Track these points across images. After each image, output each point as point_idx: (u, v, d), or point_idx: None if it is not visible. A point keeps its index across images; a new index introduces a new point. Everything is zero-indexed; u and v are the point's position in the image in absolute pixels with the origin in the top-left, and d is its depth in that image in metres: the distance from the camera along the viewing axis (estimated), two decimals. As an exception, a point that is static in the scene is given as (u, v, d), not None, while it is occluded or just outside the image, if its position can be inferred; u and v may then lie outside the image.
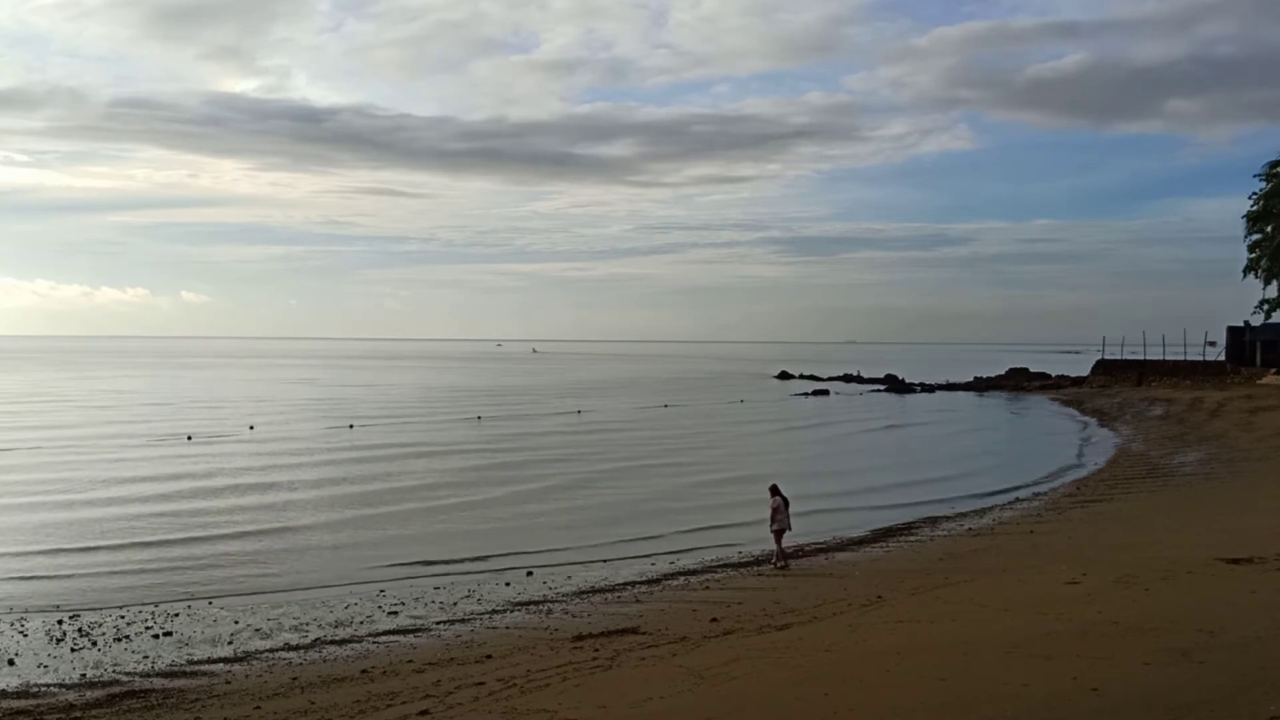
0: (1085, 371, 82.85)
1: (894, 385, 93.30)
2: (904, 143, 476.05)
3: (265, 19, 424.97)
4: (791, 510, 20.36)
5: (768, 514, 20.30)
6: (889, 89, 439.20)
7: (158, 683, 13.14)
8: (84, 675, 13.48)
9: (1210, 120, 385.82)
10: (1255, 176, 66.83)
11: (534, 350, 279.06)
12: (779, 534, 20.18)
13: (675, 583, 18.75)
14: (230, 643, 15.07)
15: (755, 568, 19.92)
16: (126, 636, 15.28)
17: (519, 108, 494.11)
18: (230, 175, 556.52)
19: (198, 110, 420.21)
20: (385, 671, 13.02)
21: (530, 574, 19.52)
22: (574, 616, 16.16)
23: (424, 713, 10.61)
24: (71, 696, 12.57)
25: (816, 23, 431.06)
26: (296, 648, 14.78)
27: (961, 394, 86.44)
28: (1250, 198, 66.98)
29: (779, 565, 19.81)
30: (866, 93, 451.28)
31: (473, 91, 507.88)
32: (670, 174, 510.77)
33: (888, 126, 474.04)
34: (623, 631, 14.35)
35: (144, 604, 17.14)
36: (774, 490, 20.59)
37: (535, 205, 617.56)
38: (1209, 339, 74.23)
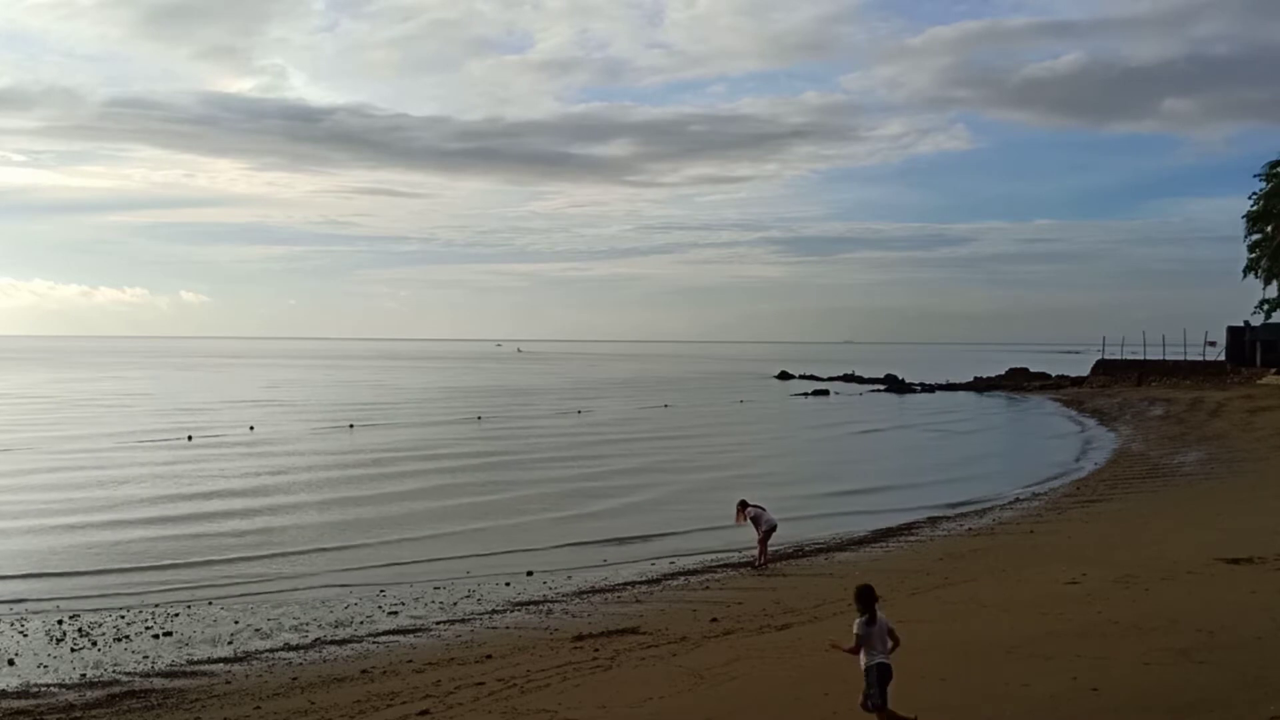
0: (1085, 371, 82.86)
1: (894, 385, 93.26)
2: (901, 142, 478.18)
3: (259, 18, 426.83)
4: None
5: (751, 525, 20.27)
6: (884, 89, 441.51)
7: (158, 683, 13.13)
8: (84, 675, 13.47)
9: (1205, 120, 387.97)
10: (1255, 176, 67.02)
11: (518, 350, 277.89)
12: (767, 534, 20.18)
13: (675, 583, 18.73)
14: (230, 643, 15.06)
15: (751, 568, 19.89)
16: (126, 636, 15.27)
17: (515, 107, 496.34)
18: (227, 175, 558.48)
19: (193, 110, 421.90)
20: (385, 671, 13.01)
21: (530, 574, 19.51)
22: (574, 616, 16.15)
23: (424, 713, 10.61)
24: (71, 696, 12.57)
25: (810, 22, 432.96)
26: (296, 648, 14.77)
27: (961, 394, 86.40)
28: (1250, 198, 67.09)
29: (760, 565, 19.83)
30: (862, 92, 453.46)
31: (468, 91, 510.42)
32: (668, 174, 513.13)
33: (885, 126, 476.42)
34: (623, 631, 14.35)
35: (144, 604, 17.13)
36: (743, 505, 20.59)
37: (533, 205, 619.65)
38: (1209, 339, 74.31)
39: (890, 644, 8.40)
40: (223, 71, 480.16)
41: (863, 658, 8.38)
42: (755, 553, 20.21)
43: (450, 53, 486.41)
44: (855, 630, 8.40)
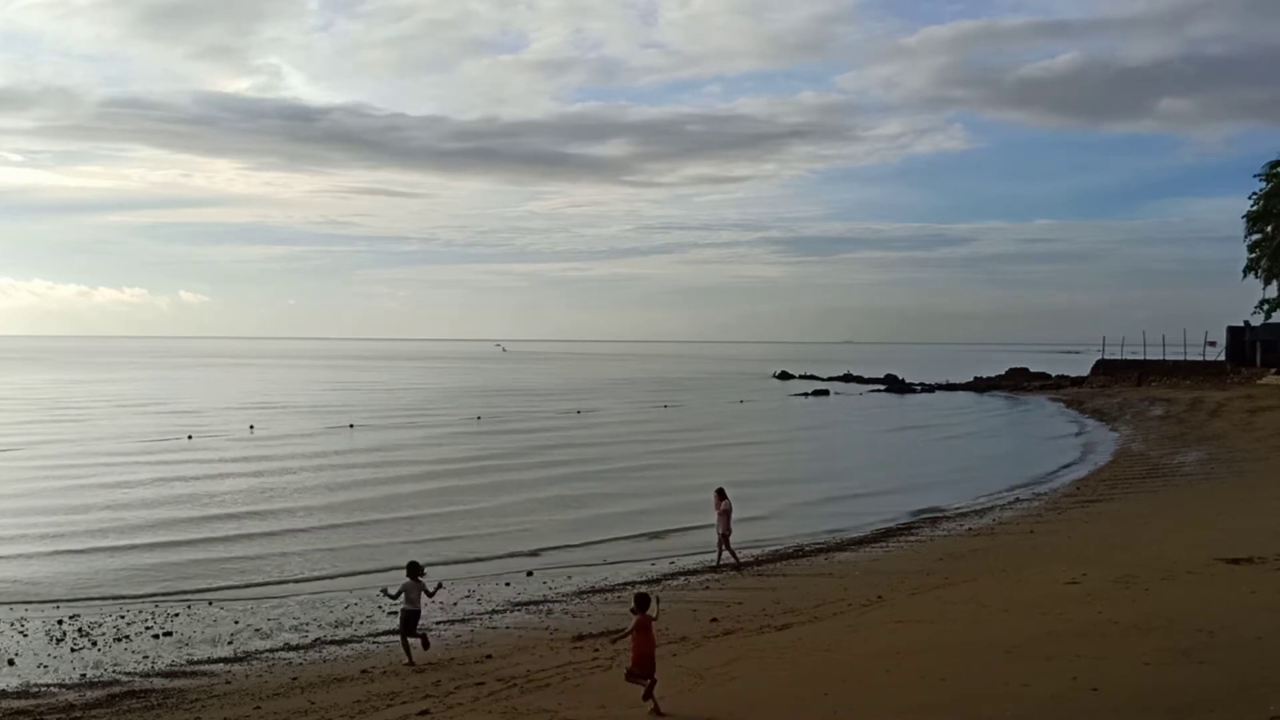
0: (1085, 371, 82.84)
1: (894, 385, 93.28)
2: (899, 142, 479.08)
3: (253, 18, 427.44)
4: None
5: (721, 518, 20.09)
6: (880, 88, 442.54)
7: (158, 683, 13.14)
8: (84, 675, 13.47)
9: (1203, 120, 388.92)
10: (1255, 176, 66.94)
11: (503, 349, 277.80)
12: (727, 537, 20.04)
13: (675, 583, 18.73)
14: (230, 643, 15.06)
15: (754, 568, 19.85)
16: (126, 636, 15.27)
17: (511, 107, 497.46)
18: (225, 175, 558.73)
19: (190, 110, 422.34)
20: (385, 671, 13.01)
21: (530, 574, 19.51)
22: (574, 616, 16.16)
23: (424, 713, 10.61)
24: (71, 696, 12.57)
25: (805, 21, 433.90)
26: (296, 648, 14.78)
27: (961, 394, 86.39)
28: (1250, 198, 67.03)
29: (729, 564, 19.76)
30: (858, 92, 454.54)
31: (464, 91, 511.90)
32: (665, 174, 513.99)
33: (882, 126, 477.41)
34: (623, 631, 14.32)
35: (144, 604, 17.14)
36: (722, 494, 20.40)
37: (532, 205, 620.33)
38: (1209, 339, 74.28)
39: (421, 598, 13.52)
40: (219, 71, 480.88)
41: (402, 605, 13.46)
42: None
43: (446, 52, 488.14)
44: (401, 585, 13.57)
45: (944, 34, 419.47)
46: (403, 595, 13.47)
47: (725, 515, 20.01)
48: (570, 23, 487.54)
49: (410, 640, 13.35)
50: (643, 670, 9.98)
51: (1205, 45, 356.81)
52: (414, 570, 13.74)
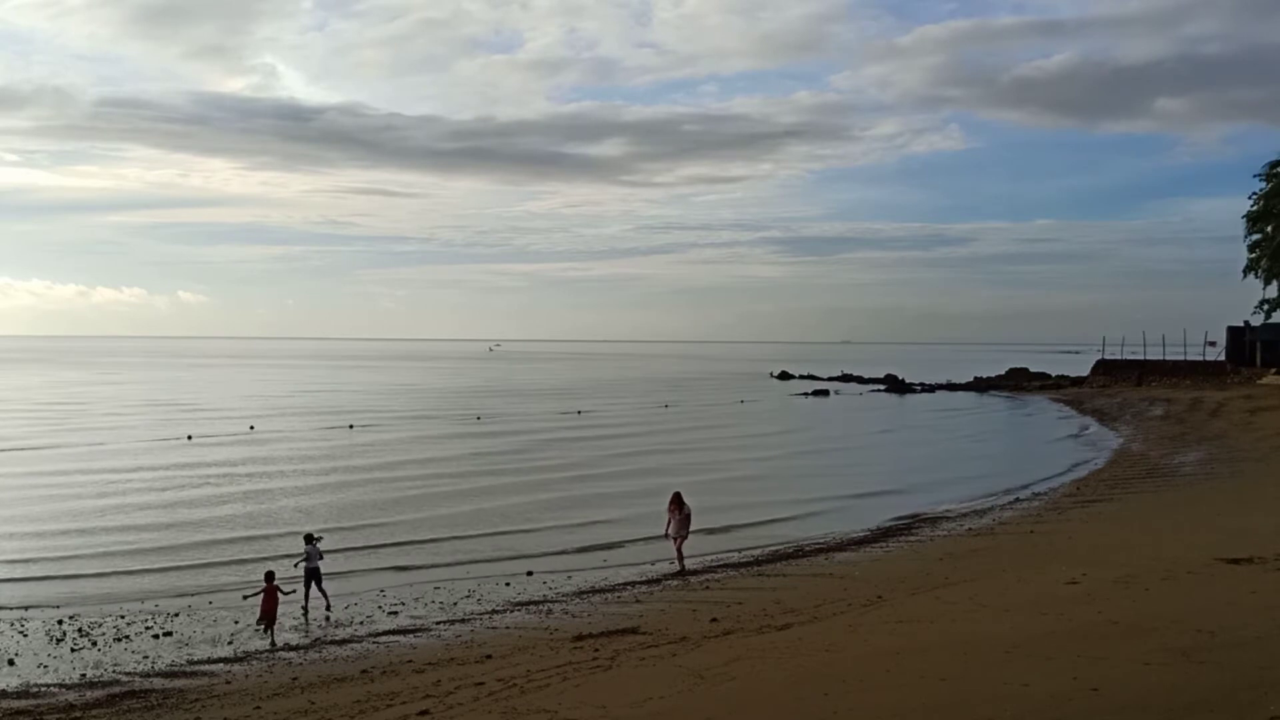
0: (1085, 371, 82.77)
1: (894, 385, 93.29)
2: (896, 142, 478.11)
3: (247, 17, 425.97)
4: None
5: (675, 523, 20.08)
6: (875, 88, 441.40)
7: (158, 683, 13.15)
8: (84, 675, 13.49)
9: (1199, 119, 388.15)
10: (1255, 176, 66.81)
11: (490, 349, 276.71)
12: (679, 541, 19.99)
13: (675, 583, 18.75)
14: (230, 643, 15.08)
15: (753, 570, 19.85)
16: (126, 636, 15.28)
17: (506, 107, 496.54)
18: (221, 175, 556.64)
19: (185, 109, 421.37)
20: (385, 671, 13.02)
21: (530, 574, 19.52)
22: (574, 616, 16.16)
23: (424, 713, 10.60)
24: (71, 696, 12.58)
25: (799, 21, 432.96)
26: (296, 648, 14.79)
27: (961, 394, 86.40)
28: (1250, 198, 66.98)
29: (674, 570, 19.74)
30: (853, 92, 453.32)
31: (459, 91, 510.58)
32: (662, 174, 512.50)
33: (879, 126, 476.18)
34: (623, 631, 14.34)
35: (144, 604, 17.15)
36: (680, 500, 20.39)
37: (529, 205, 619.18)
38: (1209, 339, 74.21)
39: (319, 558, 17.24)
40: (214, 71, 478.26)
41: (305, 565, 17.06)
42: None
43: (440, 52, 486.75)
44: (304, 551, 17.30)
45: (938, 33, 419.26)
46: (306, 558, 17.09)
47: (685, 520, 20.03)
48: (563, 22, 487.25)
49: (311, 593, 16.99)
50: (266, 622, 15.34)
51: (1200, 45, 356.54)
52: (310, 539, 17.48)
